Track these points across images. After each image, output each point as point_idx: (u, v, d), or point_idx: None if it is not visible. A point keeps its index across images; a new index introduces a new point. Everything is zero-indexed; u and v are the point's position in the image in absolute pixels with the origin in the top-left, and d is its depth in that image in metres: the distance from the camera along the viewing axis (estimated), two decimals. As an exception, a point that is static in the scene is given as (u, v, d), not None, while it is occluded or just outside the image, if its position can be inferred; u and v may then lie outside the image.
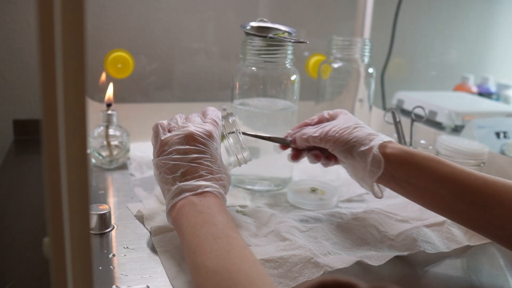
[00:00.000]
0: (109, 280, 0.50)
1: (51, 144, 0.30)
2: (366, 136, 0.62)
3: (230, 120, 0.65)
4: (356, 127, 0.63)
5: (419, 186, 0.57)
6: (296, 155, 0.70)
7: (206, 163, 0.56)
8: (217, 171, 0.57)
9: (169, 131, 0.59)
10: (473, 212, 0.53)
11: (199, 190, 0.54)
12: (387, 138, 0.62)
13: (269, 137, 0.70)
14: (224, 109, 1.05)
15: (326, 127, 0.65)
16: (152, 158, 0.60)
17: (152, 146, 0.61)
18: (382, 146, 0.60)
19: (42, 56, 0.29)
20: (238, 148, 0.65)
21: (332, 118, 0.69)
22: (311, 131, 0.66)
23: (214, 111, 0.64)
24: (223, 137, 0.64)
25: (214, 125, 0.60)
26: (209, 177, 0.56)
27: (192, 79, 1.14)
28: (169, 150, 0.57)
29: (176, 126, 0.60)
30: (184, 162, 0.56)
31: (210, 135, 0.58)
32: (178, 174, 0.55)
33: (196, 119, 0.61)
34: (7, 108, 1.02)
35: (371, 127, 1.00)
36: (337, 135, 0.63)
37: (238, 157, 0.65)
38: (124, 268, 0.53)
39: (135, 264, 0.54)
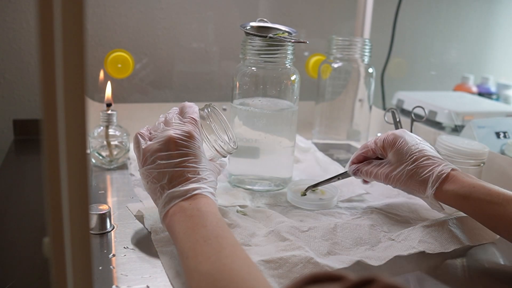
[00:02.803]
0: (109, 280, 0.50)
1: (51, 144, 0.30)
2: (420, 183, 0.63)
3: (205, 114, 0.64)
4: (411, 171, 0.64)
5: (473, 216, 0.61)
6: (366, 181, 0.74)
7: (191, 165, 0.56)
8: (203, 170, 0.57)
9: (150, 139, 0.59)
10: None
11: (188, 195, 0.54)
12: (443, 172, 0.62)
13: (332, 178, 0.73)
14: (224, 109, 1.05)
15: (383, 169, 0.67)
16: (138, 169, 0.60)
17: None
18: (439, 191, 0.61)
19: (42, 56, 0.29)
20: (217, 142, 0.64)
21: (384, 149, 0.68)
22: (372, 171, 0.68)
23: (191, 108, 0.63)
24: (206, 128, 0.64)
25: (193, 123, 0.60)
26: (196, 178, 0.55)
27: (192, 79, 1.14)
28: (152, 159, 0.57)
29: (155, 133, 0.59)
30: (169, 168, 0.55)
31: (190, 136, 0.57)
32: (165, 181, 0.55)
33: (174, 121, 0.60)
34: (7, 108, 1.02)
35: (370, 128, 1.00)
36: (396, 182, 0.65)
37: (219, 151, 0.64)
38: (124, 268, 0.53)
39: (135, 264, 0.54)
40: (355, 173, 0.71)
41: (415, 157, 0.64)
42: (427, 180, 0.62)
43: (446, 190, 0.61)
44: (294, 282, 0.29)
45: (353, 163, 0.72)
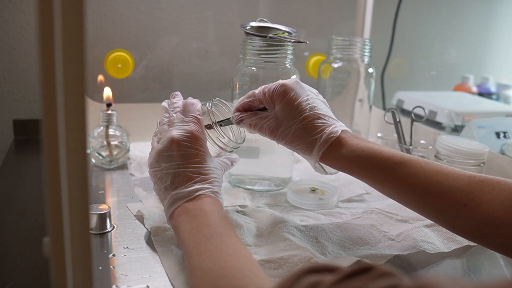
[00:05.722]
0: (109, 280, 0.50)
1: (51, 144, 0.30)
2: (307, 144, 0.58)
3: (206, 110, 0.63)
4: (299, 130, 0.58)
5: (363, 180, 0.57)
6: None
7: (193, 165, 0.56)
8: (206, 169, 0.57)
9: (159, 142, 0.60)
10: (418, 208, 0.54)
11: (191, 196, 0.54)
12: (332, 135, 0.57)
13: (219, 122, 0.64)
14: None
15: (269, 123, 0.60)
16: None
17: None
18: (326, 154, 0.57)
19: (42, 56, 0.29)
20: (219, 138, 0.63)
21: (272, 101, 0.60)
22: (257, 123, 0.61)
23: (193, 105, 0.62)
24: (209, 127, 0.63)
25: (195, 122, 0.60)
26: (199, 178, 0.56)
27: (192, 79, 1.14)
28: (156, 160, 0.57)
29: (161, 135, 0.60)
30: (172, 169, 0.56)
31: (192, 136, 0.58)
32: (169, 183, 0.56)
33: (177, 121, 0.60)
34: (7, 108, 1.02)
35: (370, 128, 1.00)
36: (282, 140, 0.60)
37: (222, 147, 0.64)
38: (124, 268, 0.53)
39: (135, 264, 0.54)
40: (239, 122, 0.63)
41: (304, 115, 0.58)
42: (314, 142, 0.57)
43: (334, 154, 0.56)
44: (294, 273, 0.30)
45: (237, 110, 0.64)
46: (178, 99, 0.65)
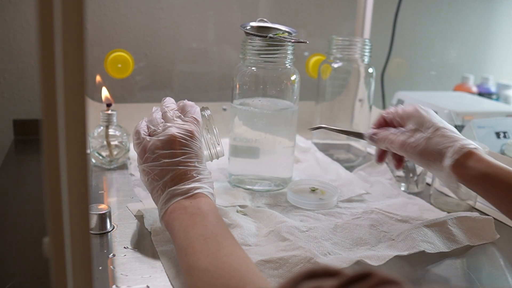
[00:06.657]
0: (109, 280, 0.50)
1: (51, 144, 0.30)
2: (438, 153, 0.59)
3: (206, 115, 0.67)
4: (430, 139, 0.60)
5: (495, 202, 0.58)
6: (381, 157, 0.70)
7: (192, 164, 0.57)
8: (203, 170, 0.58)
9: (150, 135, 0.59)
10: None
11: (190, 193, 0.54)
12: (465, 147, 0.58)
13: (347, 131, 0.73)
14: (224, 109, 1.06)
15: (400, 137, 0.64)
16: (138, 164, 0.59)
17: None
18: (458, 165, 0.58)
19: (42, 56, 0.29)
20: (211, 143, 0.66)
21: (402, 120, 0.66)
22: (388, 136, 0.66)
23: (193, 107, 0.63)
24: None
25: (195, 123, 0.60)
26: (198, 177, 0.56)
27: (192, 79, 1.14)
28: (154, 156, 0.56)
29: (156, 129, 0.59)
30: (172, 166, 0.56)
31: (192, 136, 0.58)
32: (167, 179, 0.55)
33: (176, 119, 0.60)
34: (7, 108, 1.02)
35: (371, 128, 1.00)
36: (411, 152, 0.62)
37: (212, 152, 0.66)
38: (124, 268, 0.53)
39: (135, 264, 0.54)
40: (371, 137, 0.68)
41: (437, 127, 0.61)
42: (446, 152, 0.59)
43: (468, 166, 0.57)
44: (292, 277, 0.29)
45: (374, 128, 0.69)
46: (171, 102, 0.65)
